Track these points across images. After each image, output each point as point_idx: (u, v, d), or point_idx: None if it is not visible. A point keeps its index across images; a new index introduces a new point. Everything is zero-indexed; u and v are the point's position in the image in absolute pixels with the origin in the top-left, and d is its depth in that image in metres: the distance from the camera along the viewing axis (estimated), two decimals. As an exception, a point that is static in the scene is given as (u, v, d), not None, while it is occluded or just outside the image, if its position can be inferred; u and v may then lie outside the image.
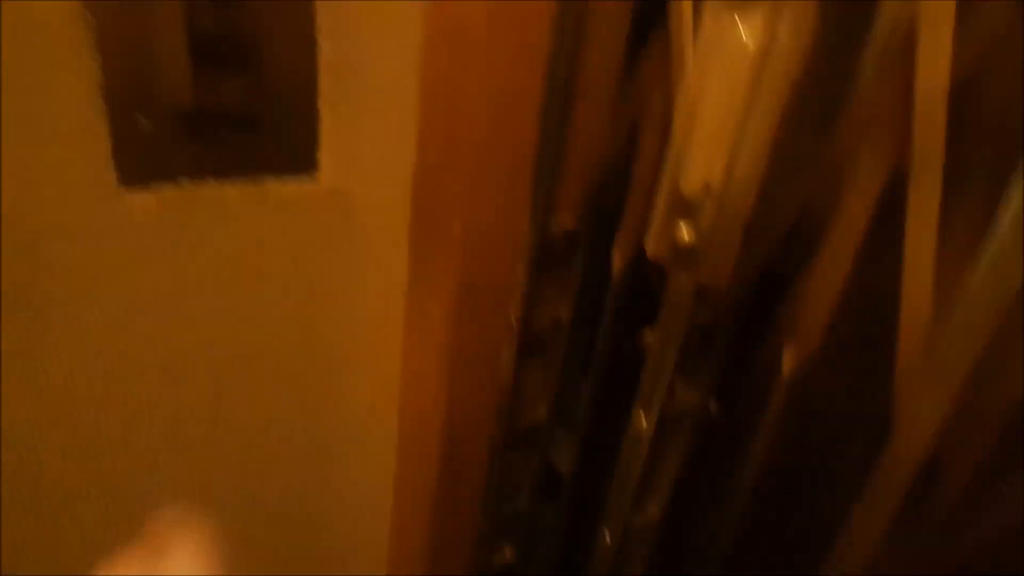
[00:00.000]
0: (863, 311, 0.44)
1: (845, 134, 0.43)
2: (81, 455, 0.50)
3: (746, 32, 0.39)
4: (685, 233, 0.44)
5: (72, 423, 0.49)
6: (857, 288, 0.44)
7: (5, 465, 0.46)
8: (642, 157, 0.54)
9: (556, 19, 0.54)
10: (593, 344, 0.63)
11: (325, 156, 0.53)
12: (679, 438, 0.55)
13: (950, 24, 0.35)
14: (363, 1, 0.50)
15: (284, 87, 0.49)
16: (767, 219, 0.50)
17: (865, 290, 0.44)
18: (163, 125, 0.43)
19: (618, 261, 0.58)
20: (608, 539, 0.63)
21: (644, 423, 0.51)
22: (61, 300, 0.44)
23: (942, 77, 0.35)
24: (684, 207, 0.44)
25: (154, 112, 0.43)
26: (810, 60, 0.46)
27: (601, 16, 0.55)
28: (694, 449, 0.56)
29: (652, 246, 0.47)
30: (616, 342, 0.61)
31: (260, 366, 0.56)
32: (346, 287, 0.59)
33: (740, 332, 0.58)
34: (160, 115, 0.43)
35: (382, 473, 0.70)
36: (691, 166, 0.43)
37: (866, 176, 0.41)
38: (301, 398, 0.60)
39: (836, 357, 0.46)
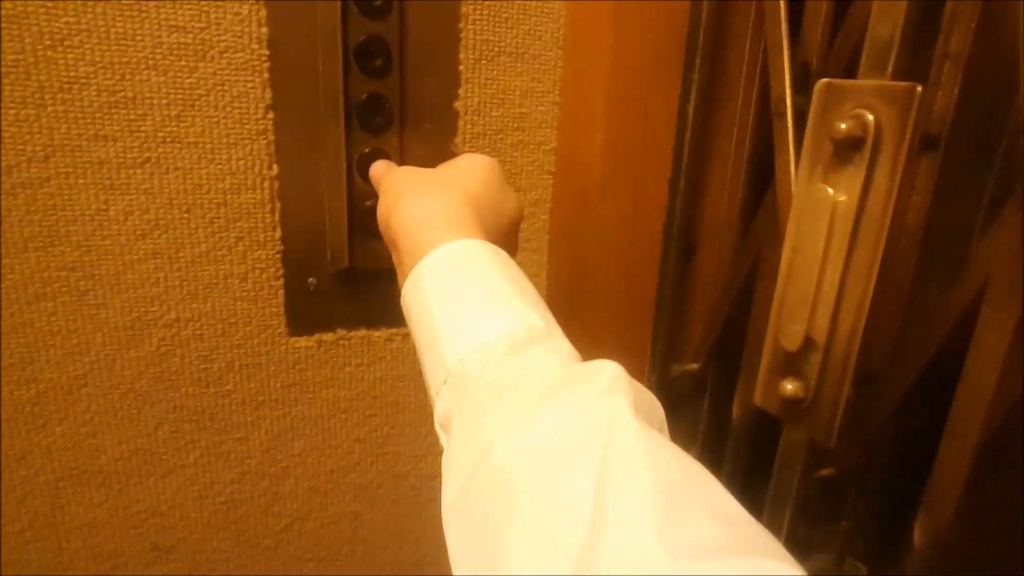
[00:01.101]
0: (1005, 476, 0.39)
1: (967, 288, 0.41)
2: (242, 559, 0.58)
3: (837, 189, 0.40)
4: (791, 387, 0.43)
5: (238, 529, 0.57)
6: (997, 452, 0.39)
7: (178, 564, 0.55)
8: (756, 307, 0.54)
9: (672, 180, 0.58)
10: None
11: (460, 303, 0.60)
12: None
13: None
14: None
15: (427, 246, 0.57)
16: (893, 371, 0.47)
17: (1006, 455, 0.39)
18: (325, 283, 0.53)
19: (737, 409, 0.57)
20: None
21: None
22: (235, 423, 0.53)
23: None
24: (788, 361, 0.43)
25: (319, 273, 0.53)
26: (928, 212, 0.45)
27: (716, 175, 0.58)
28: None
29: (761, 398, 0.46)
30: (740, 494, 0.58)
31: (395, 490, 0.62)
32: (477, 420, 0.63)
33: (891, 492, 0.53)
34: (323, 275, 0.53)
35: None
36: (791, 321, 0.42)
37: (988, 335, 0.38)
38: (433, 526, 0.64)
39: (978, 523, 0.40)
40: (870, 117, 0.37)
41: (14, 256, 0.45)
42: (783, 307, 0.43)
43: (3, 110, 0.42)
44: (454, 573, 0.26)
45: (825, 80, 0.40)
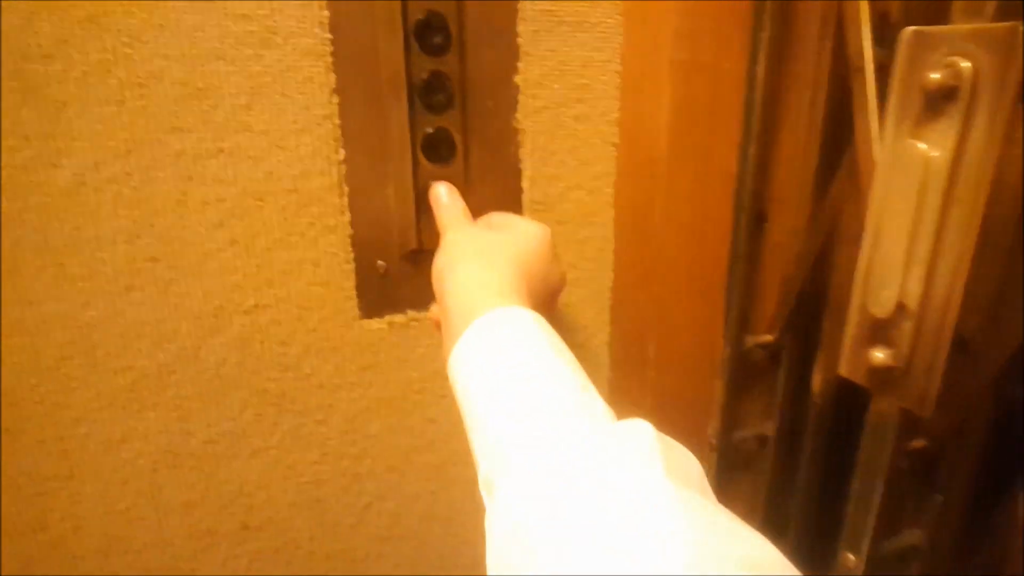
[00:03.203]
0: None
1: (1077, 243, 0.38)
2: (326, 537, 0.60)
3: (929, 144, 0.37)
4: (881, 356, 0.41)
5: (321, 509, 0.59)
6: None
7: (267, 542, 0.57)
8: (837, 273, 0.51)
9: (741, 146, 0.56)
10: (798, 468, 0.59)
11: (527, 281, 0.59)
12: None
13: None
14: (562, 143, 0.57)
15: (492, 225, 0.57)
16: (992, 337, 0.44)
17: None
18: (394, 265, 0.54)
19: (818, 381, 0.55)
20: None
21: (852, 562, 0.46)
22: (314, 406, 0.54)
23: None
24: (877, 328, 0.41)
25: (388, 255, 0.53)
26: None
27: (788, 137, 0.56)
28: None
29: (846, 368, 0.44)
30: (821, 469, 0.57)
31: (469, 469, 0.62)
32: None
33: (984, 465, 0.51)
34: (392, 257, 0.53)
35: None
36: (881, 286, 0.40)
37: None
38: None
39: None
40: (966, 64, 0.35)
41: (106, 249, 0.47)
42: (871, 272, 0.41)
43: (89, 108, 0.43)
44: None
45: (912, 28, 0.38)
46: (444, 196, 0.52)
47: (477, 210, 0.53)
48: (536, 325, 0.38)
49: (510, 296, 0.40)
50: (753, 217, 0.57)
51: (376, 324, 0.54)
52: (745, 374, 0.61)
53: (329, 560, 0.60)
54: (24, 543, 0.50)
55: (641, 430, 0.30)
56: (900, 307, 0.40)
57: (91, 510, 0.51)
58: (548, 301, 0.46)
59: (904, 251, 0.39)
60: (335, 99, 0.49)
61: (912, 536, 0.50)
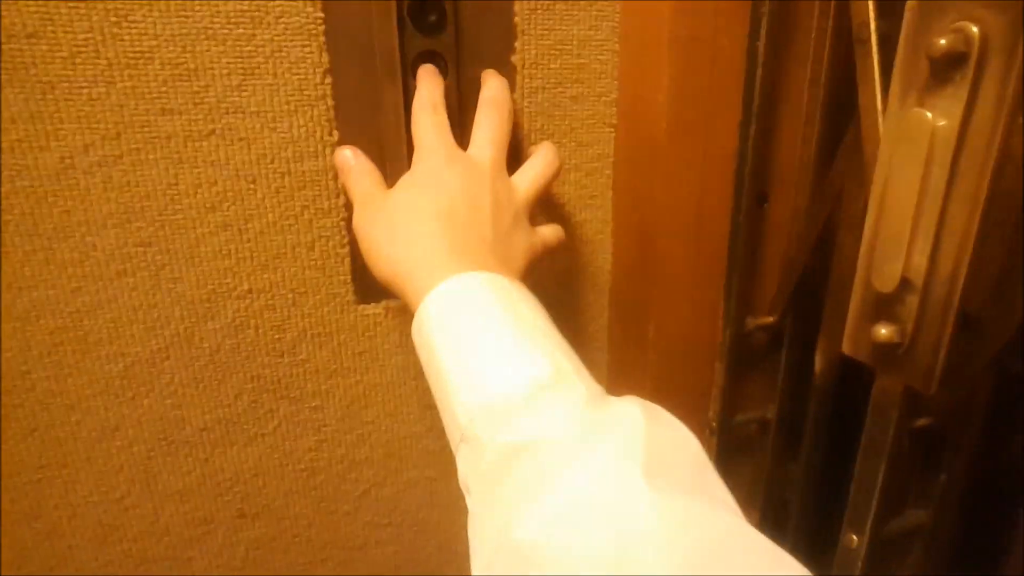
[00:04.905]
0: None
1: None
2: (323, 524, 0.59)
3: (936, 113, 0.37)
4: (885, 332, 0.40)
5: (318, 496, 0.58)
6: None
7: (264, 530, 0.57)
8: (839, 253, 0.51)
9: (742, 124, 0.55)
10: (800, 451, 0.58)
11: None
12: (905, 560, 0.48)
13: None
14: (560, 123, 0.56)
15: (489, 208, 0.56)
16: (996, 313, 0.43)
17: None
18: (390, 248, 0.53)
19: (820, 361, 0.54)
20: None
21: (855, 542, 0.45)
22: (310, 392, 0.54)
23: None
24: (881, 304, 0.41)
25: (384, 238, 0.53)
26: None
27: (789, 115, 0.55)
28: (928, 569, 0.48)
29: (849, 346, 0.43)
30: (823, 452, 0.56)
31: (468, 455, 0.62)
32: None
33: (987, 443, 0.50)
34: (388, 240, 0.53)
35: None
36: (885, 260, 0.40)
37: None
38: (505, 488, 0.64)
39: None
40: (975, 29, 0.34)
41: (96, 234, 0.46)
42: (875, 246, 0.40)
43: (77, 89, 0.42)
44: None
45: (918, -5, 0.37)
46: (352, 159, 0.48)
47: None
48: (491, 291, 0.37)
49: (451, 263, 0.38)
50: (754, 197, 0.56)
51: (372, 309, 0.54)
52: (746, 356, 0.60)
53: (326, 547, 0.59)
54: (19, 533, 0.50)
55: (625, 423, 0.29)
56: (905, 282, 0.39)
57: (85, 499, 0.50)
58: (508, 232, 0.44)
59: (909, 224, 0.38)
60: (328, 80, 0.48)
61: (916, 516, 0.49)
